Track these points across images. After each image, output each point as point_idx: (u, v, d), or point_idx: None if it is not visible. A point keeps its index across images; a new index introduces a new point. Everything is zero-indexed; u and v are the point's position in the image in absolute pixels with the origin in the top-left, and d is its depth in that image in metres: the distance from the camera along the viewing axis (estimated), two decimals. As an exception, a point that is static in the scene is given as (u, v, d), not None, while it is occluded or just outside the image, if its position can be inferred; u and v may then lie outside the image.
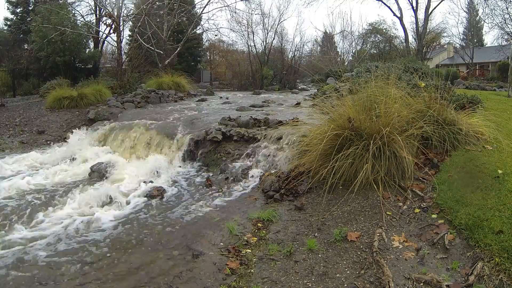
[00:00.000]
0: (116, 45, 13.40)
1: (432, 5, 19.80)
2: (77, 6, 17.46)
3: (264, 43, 22.14)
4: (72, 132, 8.38)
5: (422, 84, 5.05)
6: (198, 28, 19.74)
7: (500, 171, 3.47)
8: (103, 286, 2.87)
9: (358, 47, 25.23)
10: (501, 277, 2.44)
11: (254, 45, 22.12)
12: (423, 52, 21.25)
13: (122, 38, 13.49)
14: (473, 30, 30.06)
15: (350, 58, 25.19)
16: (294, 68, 21.67)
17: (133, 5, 17.37)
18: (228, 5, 17.67)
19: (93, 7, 17.49)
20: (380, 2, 20.66)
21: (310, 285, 2.71)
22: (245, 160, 5.75)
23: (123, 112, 9.24)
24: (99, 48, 18.15)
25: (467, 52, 27.33)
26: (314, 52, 30.39)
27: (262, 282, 2.78)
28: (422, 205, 3.46)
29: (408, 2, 20.28)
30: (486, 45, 32.12)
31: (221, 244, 3.40)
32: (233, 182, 5.24)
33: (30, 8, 17.73)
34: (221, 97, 13.57)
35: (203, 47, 24.92)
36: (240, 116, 7.00)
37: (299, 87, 21.69)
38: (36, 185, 5.53)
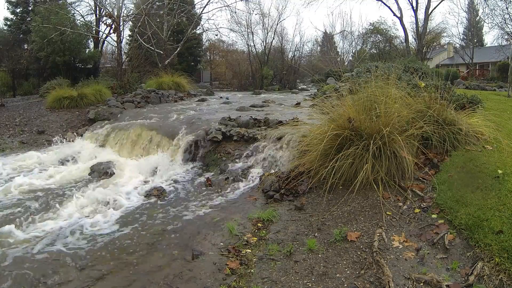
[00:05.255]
0: (116, 45, 13.41)
1: (432, 5, 19.79)
2: (77, 6, 17.47)
3: (264, 43, 22.19)
4: (73, 133, 8.41)
5: (422, 84, 5.05)
6: (198, 28, 19.73)
7: (500, 171, 3.47)
8: (102, 285, 2.87)
9: (358, 47, 25.25)
10: (501, 277, 2.44)
11: (254, 45, 22.19)
12: (423, 52, 21.23)
13: (122, 38, 13.51)
14: (473, 30, 30.03)
15: (350, 58, 25.22)
16: (294, 68, 21.69)
17: (133, 5, 17.39)
18: (228, 5, 17.65)
19: (93, 7, 17.51)
20: (380, 2, 20.66)
21: (310, 285, 2.71)
22: (245, 160, 5.75)
23: (123, 112, 9.24)
24: (99, 48, 18.15)
25: (467, 52, 27.29)
26: (314, 52, 30.45)
27: (262, 282, 2.78)
28: (422, 205, 3.46)
29: (408, 2, 20.28)
30: (486, 45, 32.13)
31: (221, 244, 3.39)
32: (233, 182, 5.24)
33: (30, 8, 17.73)
34: (221, 97, 13.57)
35: (203, 47, 24.93)
36: (240, 116, 7.00)
37: (299, 87, 21.70)
38: (34, 185, 5.50)
